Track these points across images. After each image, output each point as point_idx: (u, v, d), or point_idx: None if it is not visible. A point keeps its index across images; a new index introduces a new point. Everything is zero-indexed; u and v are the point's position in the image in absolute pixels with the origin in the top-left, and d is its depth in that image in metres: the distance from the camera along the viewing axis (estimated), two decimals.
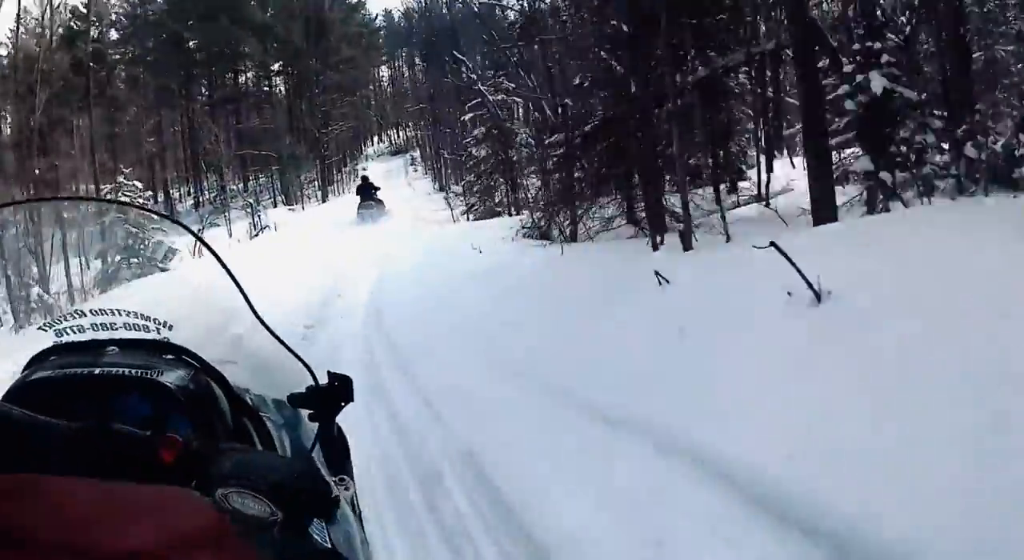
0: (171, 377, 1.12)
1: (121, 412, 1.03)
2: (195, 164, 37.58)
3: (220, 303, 1.22)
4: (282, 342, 1.14)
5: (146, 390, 1.09)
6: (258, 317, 1.12)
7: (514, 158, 18.09)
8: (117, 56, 37.06)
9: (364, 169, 50.44)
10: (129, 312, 1.18)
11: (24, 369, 1.19)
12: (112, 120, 36.23)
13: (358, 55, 46.82)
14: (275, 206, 33.43)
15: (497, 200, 19.94)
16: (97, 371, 1.11)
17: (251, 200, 27.19)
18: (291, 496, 0.82)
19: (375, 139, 65.59)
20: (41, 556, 0.36)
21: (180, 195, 37.65)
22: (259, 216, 16.87)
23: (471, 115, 20.94)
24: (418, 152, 54.76)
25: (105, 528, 0.39)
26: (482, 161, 19.54)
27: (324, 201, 34.54)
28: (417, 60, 56.90)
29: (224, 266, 1.10)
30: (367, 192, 23.85)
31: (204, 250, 1.26)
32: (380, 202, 23.26)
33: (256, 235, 17.47)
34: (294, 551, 0.84)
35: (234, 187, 39.98)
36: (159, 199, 37.42)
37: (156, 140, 35.35)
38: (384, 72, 65.05)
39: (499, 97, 18.67)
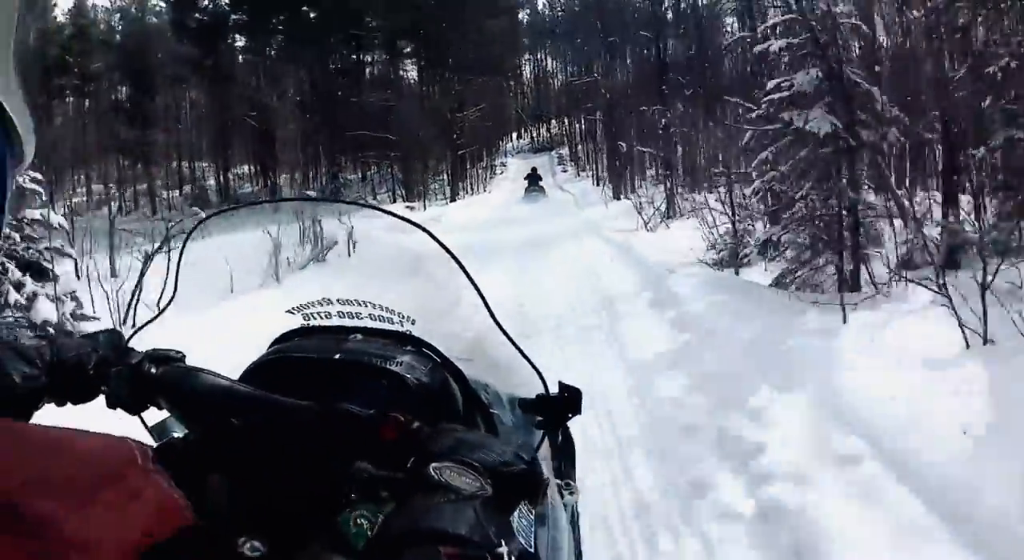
0: (409, 368, 1.14)
1: (356, 396, 1.02)
2: (305, 147, 31.04)
3: (455, 301, 1.27)
4: (517, 346, 1.15)
5: (383, 378, 1.11)
6: (495, 319, 1.14)
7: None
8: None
9: (503, 165, 43.92)
10: (375, 304, 1.21)
11: (269, 347, 1.23)
12: (223, 95, 30.76)
13: (500, 33, 39.50)
14: (393, 201, 26.13)
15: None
16: (337, 355, 1.14)
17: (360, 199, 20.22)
18: (502, 475, 0.82)
19: (515, 135, 59.55)
20: None
21: (290, 180, 31.08)
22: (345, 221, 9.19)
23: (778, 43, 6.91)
24: (565, 149, 47.47)
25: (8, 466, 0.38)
26: (814, 139, 5.97)
27: (453, 199, 26.78)
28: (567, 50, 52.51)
29: (462, 267, 1.13)
30: (534, 180, 27.61)
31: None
32: (542, 189, 26.69)
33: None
34: (491, 521, 0.73)
35: (350, 176, 33.57)
36: (265, 184, 31.47)
37: (263, 117, 29.00)
38: (526, 65, 58.58)
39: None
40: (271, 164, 31.16)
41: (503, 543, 0.71)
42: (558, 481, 1.22)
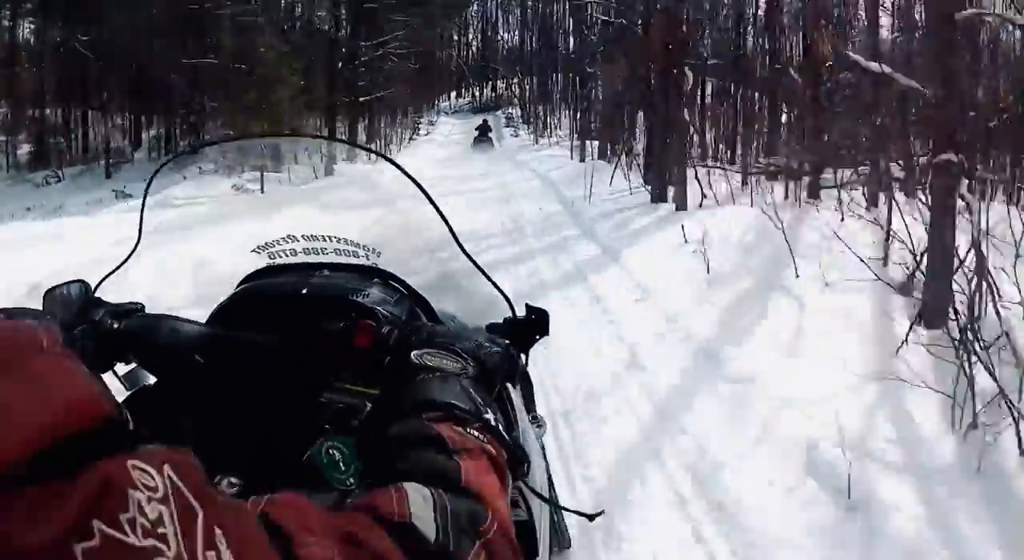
0: (377, 299, 1.13)
1: (325, 328, 1.06)
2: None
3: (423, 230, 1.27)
4: (483, 271, 1.15)
5: (351, 310, 1.09)
6: (460, 245, 1.14)
7: None
8: None
9: (430, 124, 33.77)
10: (340, 238, 1.20)
11: (237, 287, 1.22)
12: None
13: None
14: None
15: None
16: (304, 290, 1.14)
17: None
18: (481, 358, 0.86)
19: (453, 94, 49.38)
20: None
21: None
22: None
23: None
24: (515, 110, 37.44)
25: None
26: None
27: (329, 173, 16.22)
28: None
29: (427, 195, 1.12)
30: (483, 132, 27.57)
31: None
32: (490, 140, 26.65)
33: None
34: (479, 395, 0.77)
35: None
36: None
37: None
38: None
39: None
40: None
41: (488, 412, 0.74)
42: (529, 414, 1.21)
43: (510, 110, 39.29)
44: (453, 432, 0.67)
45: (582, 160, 17.15)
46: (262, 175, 13.95)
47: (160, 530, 0.34)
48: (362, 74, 22.51)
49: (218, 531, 0.37)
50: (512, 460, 0.72)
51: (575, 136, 24.99)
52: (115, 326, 1.01)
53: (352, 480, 0.83)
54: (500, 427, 0.73)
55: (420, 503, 0.56)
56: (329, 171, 17.27)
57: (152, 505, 0.35)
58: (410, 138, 28.18)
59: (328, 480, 0.82)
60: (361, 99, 22.43)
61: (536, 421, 1.35)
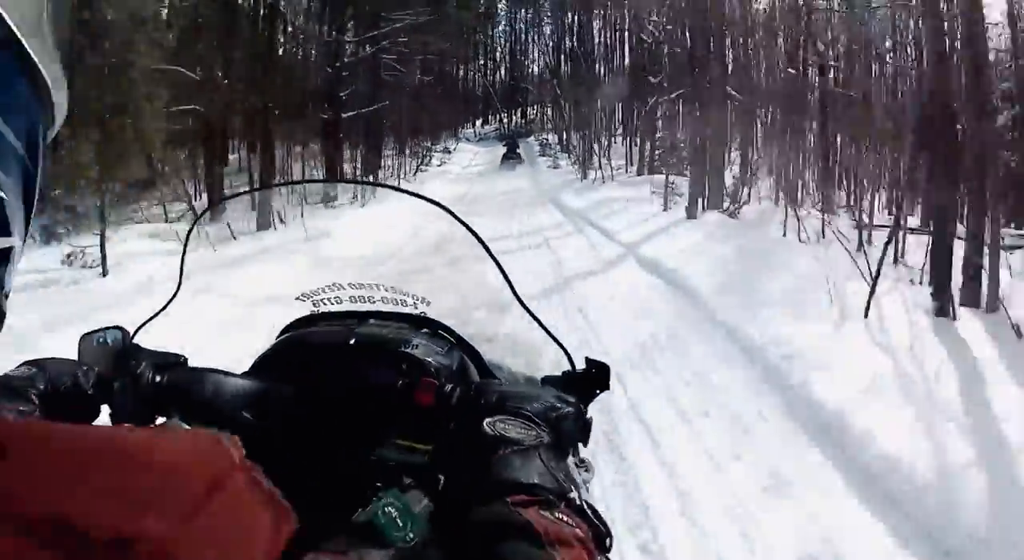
0: (426, 350, 1.09)
1: (374, 381, 1.04)
2: None
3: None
4: (540, 323, 1.10)
5: (400, 361, 1.06)
6: (518, 298, 1.08)
7: None
8: None
9: (446, 151, 28.11)
10: (387, 287, 1.18)
11: (279, 335, 1.19)
12: None
13: None
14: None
15: None
16: (352, 340, 1.10)
17: None
18: (554, 421, 0.84)
19: (479, 122, 43.62)
20: (12, 531, 0.28)
21: None
22: None
23: None
24: (550, 135, 31.28)
25: (101, 496, 0.30)
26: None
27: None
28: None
29: (486, 247, 1.06)
30: (512, 150, 27.12)
31: None
32: (519, 157, 26.05)
33: None
34: (557, 467, 0.76)
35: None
36: None
37: None
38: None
39: None
40: None
41: (572, 488, 0.73)
42: (574, 459, 1.04)
43: (544, 136, 32.99)
44: (543, 519, 0.65)
45: (691, 217, 10.32)
46: (102, 241, 7.57)
47: None
48: (346, 81, 16.30)
49: None
50: (596, 536, 0.71)
51: (645, 169, 18.50)
52: (156, 380, 0.96)
53: (411, 535, 0.72)
54: (585, 505, 0.73)
55: None
56: (265, 224, 10.98)
57: None
58: (417, 170, 21.63)
59: (387, 538, 0.72)
60: (345, 115, 16.25)
61: (583, 465, 1.10)
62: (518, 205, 14.25)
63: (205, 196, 12.35)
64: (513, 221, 11.43)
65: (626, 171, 20.55)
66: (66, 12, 0.34)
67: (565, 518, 0.66)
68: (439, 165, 23.91)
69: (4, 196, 0.31)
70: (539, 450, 0.77)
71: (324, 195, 12.99)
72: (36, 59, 0.31)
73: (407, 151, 23.71)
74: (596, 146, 20.57)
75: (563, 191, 16.31)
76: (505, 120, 44.54)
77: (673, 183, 12.89)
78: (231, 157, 16.33)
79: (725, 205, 11.18)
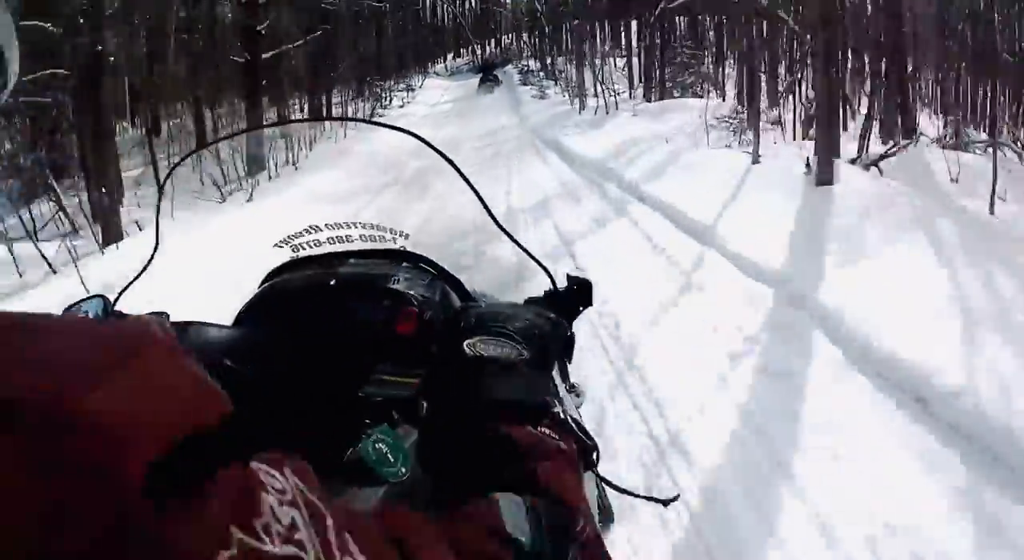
0: (407, 283, 1.10)
1: (357, 317, 1.06)
2: None
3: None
4: (520, 246, 1.10)
5: (383, 297, 1.07)
6: (494, 220, 1.08)
7: None
8: None
9: (408, 89, 24.86)
10: (364, 224, 1.16)
11: (261, 283, 1.20)
12: None
13: None
14: None
15: None
16: (333, 280, 1.10)
17: None
18: (534, 338, 0.84)
19: (448, 55, 39.79)
20: None
21: None
22: None
23: None
24: (534, 63, 27.39)
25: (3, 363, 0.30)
26: None
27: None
28: None
29: (459, 170, 1.05)
30: (489, 72, 25.81)
31: None
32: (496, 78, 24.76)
33: None
34: (543, 384, 0.77)
35: None
36: None
37: None
38: None
39: None
40: None
41: (556, 403, 0.72)
42: (566, 384, 1.20)
43: (525, 63, 28.86)
44: (527, 435, 0.66)
45: (825, 181, 5.64)
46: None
47: (296, 536, 0.33)
48: (264, 10, 12.20)
49: (348, 536, 0.36)
50: (582, 450, 0.72)
51: (653, 94, 15.28)
52: None
53: (403, 470, 0.77)
54: (568, 418, 0.72)
55: (513, 512, 0.56)
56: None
57: (283, 509, 0.33)
58: (373, 113, 17.60)
59: (380, 475, 0.76)
60: (265, 55, 12.25)
61: (574, 390, 1.27)
62: (501, 156, 10.04)
63: None
64: (497, 190, 7.14)
65: (630, 97, 16.65)
66: None
67: (548, 432, 0.68)
68: (401, 106, 19.77)
69: None
70: (520, 366, 0.78)
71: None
72: None
73: (365, 93, 19.69)
74: (590, 69, 16.57)
75: (563, 130, 11.88)
76: (479, 51, 39.99)
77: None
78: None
79: (857, 155, 7.15)
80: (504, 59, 33.28)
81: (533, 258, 1.08)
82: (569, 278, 1.05)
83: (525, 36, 35.18)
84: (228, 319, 1.08)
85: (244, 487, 0.31)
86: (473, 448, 0.66)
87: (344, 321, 1.02)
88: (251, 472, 0.33)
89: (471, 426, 0.67)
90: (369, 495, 0.74)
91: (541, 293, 1.06)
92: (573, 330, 1.01)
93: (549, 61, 24.57)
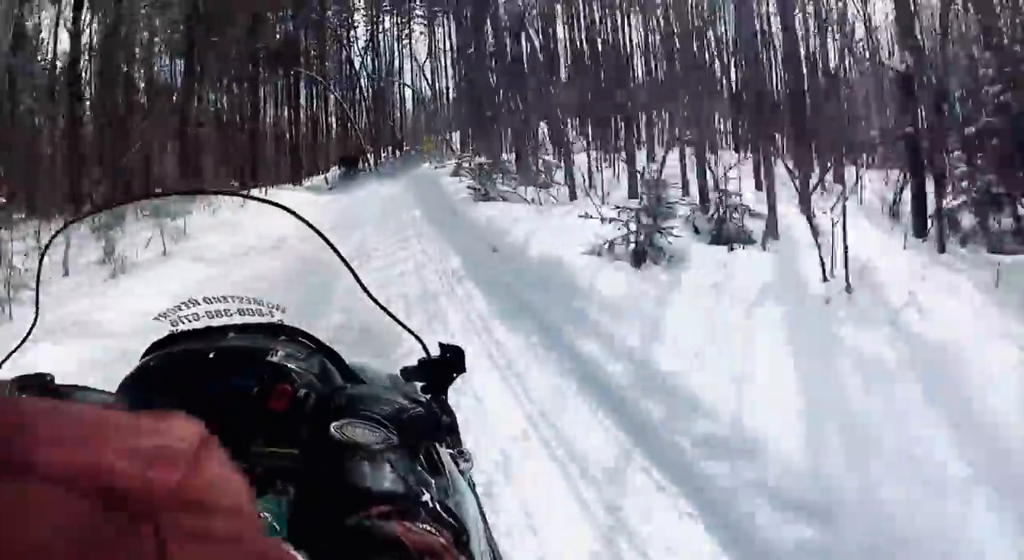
0: (285, 357, 1.11)
1: (233, 389, 1.05)
2: None
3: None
4: (392, 315, 1.16)
5: (262, 370, 1.08)
6: (366, 291, 1.14)
7: None
8: None
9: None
10: (242, 298, 1.19)
11: (142, 357, 1.20)
12: None
13: None
14: None
15: None
16: (212, 354, 1.11)
17: None
18: (403, 422, 0.85)
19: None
20: (50, 486, 0.32)
21: None
22: None
23: None
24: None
25: (117, 454, 0.35)
26: None
27: None
28: None
29: (330, 244, 1.14)
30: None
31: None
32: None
33: None
34: (408, 471, 0.80)
35: None
36: None
37: None
38: None
39: None
40: None
41: (423, 490, 0.75)
42: (450, 450, 1.20)
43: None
44: (409, 531, 0.67)
45: None
46: None
47: None
48: None
49: None
50: (456, 536, 0.72)
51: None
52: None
53: (289, 541, 0.75)
54: (438, 507, 0.73)
55: None
56: None
57: None
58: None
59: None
60: None
61: (462, 456, 1.27)
62: None
63: None
64: None
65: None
66: None
67: (426, 527, 0.69)
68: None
69: None
70: (386, 454, 0.77)
71: None
72: None
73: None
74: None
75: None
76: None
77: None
78: None
79: None
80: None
81: (406, 328, 1.15)
82: (441, 346, 1.11)
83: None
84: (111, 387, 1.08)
85: None
86: (358, 542, 0.65)
87: (221, 394, 1.01)
88: None
89: (347, 516, 0.67)
90: None
91: (415, 362, 1.12)
92: (452, 411, 1.08)
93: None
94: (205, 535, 0.35)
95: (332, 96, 35.26)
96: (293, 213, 1.12)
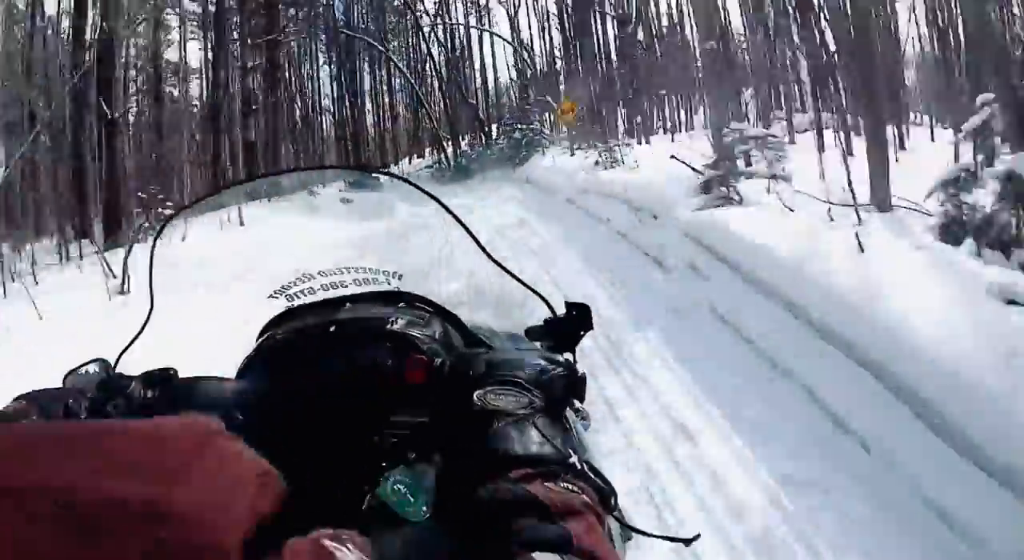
0: (407, 324, 1.08)
1: (362, 363, 1.02)
2: None
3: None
4: (513, 275, 1.11)
5: (384, 339, 1.04)
6: (488, 254, 1.11)
7: None
8: None
9: None
10: (357, 268, 1.18)
11: (258, 337, 1.17)
12: None
13: None
14: None
15: None
16: (332, 328, 1.08)
17: None
18: (546, 384, 0.84)
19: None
20: (13, 501, 0.33)
21: None
22: None
23: None
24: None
25: (95, 471, 0.36)
26: None
27: None
28: None
29: (447, 209, 1.11)
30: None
31: None
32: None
33: None
34: (553, 433, 0.77)
35: None
36: None
37: None
38: None
39: None
40: None
41: (571, 452, 0.73)
42: (574, 408, 1.11)
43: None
44: (550, 492, 0.67)
45: None
46: None
47: None
48: None
49: None
50: (602, 497, 0.72)
51: None
52: (148, 395, 0.98)
53: (425, 509, 0.80)
54: (586, 467, 0.73)
55: None
56: None
57: None
58: None
59: (402, 515, 0.79)
60: None
61: (579, 414, 1.17)
62: None
63: None
64: None
65: None
66: None
67: (570, 486, 0.68)
68: None
69: None
70: (533, 417, 0.77)
71: None
72: None
73: None
74: None
75: None
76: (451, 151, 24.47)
77: None
78: None
79: None
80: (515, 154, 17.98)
81: (529, 288, 1.09)
82: (567, 304, 1.06)
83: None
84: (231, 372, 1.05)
85: (316, 558, 0.36)
86: (495, 505, 0.65)
87: (349, 367, 1.00)
88: (321, 546, 0.38)
89: (488, 482, 0.67)
90: (393, 542, 0.73)
91: (540, 321, 1.06)
92: (583, 370, 0.98)
93: None
94: (182, 548, 0.34)
95: (395, 69, 27.72)
96: (410, 182, 1.15)
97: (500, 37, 26.38)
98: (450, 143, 25.34)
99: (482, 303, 1.27)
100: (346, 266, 1.16)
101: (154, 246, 1.22)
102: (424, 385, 0.93)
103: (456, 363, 0.93)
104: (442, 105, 28.18)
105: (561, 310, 1.06)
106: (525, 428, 0.75)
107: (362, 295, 1.17)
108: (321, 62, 28.82)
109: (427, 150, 28.86)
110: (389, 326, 1.05)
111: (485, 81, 29.08)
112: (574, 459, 0.71)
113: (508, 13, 25.65)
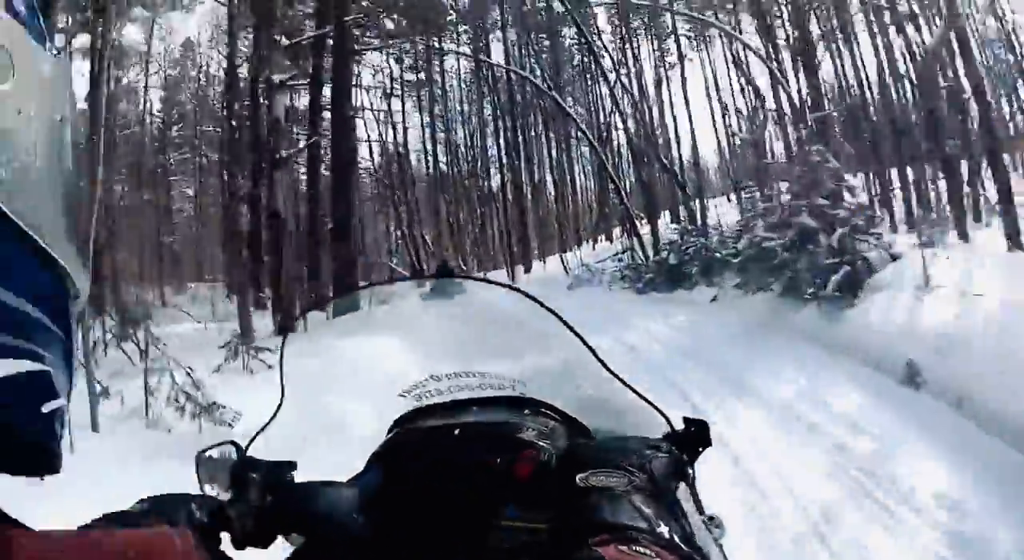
0: (531, 428, 1.11)
1: (480, 463, 1.06)
2: None
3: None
4: (634, 390, 1.12)
5: (508, 443, 1.08)
6: (607, 368, 1.11)
7: None
8: None
9: None
10: (483, 373, 1.20)
11: (389, 431, 1.22)
12: None
13: None
14: None
15: None
16: (458, 429, 1.12)
17: None
18: (648, 466, 0.84)
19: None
20: None
21: None
22: None
23: None
24: None
25: None
26: None
27: None
28: None
29: (563, 321, 1.09)
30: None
31: None
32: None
33: None
34: (654, 509, 0.77)
35: None
36: None
37: None
38: None
39: None
40: None
41: (660, 523, 0.71)
42: (702, 517, 1.12)
43: None
44: (620, 554, 0.65)
45: None
46: None
47: None
48: None
49: None
50: None
51: None
52: (269, 499, 0.98)
53: None
54: (675, 536, 0.72)
55: None
56: None
57: None
58: None
59: None
60: None
61: (712, 522, 1.20)
62: None
63: None
64: None
65: None
66: (75, 209, 0.40)
67: (644, 551, 0.65)
68: None
69: (50, 369, 0.37)
70: (631, 494, 0.76)
71: None
72: (56, 256, 0.37)
73: None
74: None
75: None
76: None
77: None
78: None
79: None
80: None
81: (647, 401, 1.09)
82: (686, 420, 1.06)
83: None
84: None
85: None
86: None
87: (466, 468, 1.02)
88: None
89: (571, 554, 0.66)
90: None
91: (659, 435, 1.05)
92: (694, 471, 0.99)
93: None
94: None
95: (580, 133, 22.58)
96: (532, 297, 1.12)
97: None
98: (645, 223, 19.47)
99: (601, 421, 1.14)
100: (474, 370, 1.18)
101: (284, 339, 1.39)
102: (533, 480, 0.96)
103: (563, 453, 0.96)
104: (632, 173, 22.64)
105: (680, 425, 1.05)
106: (619, 501, 0.75)
107: (489, 399, 1.19)
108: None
109: (615, 231, 23.37)
110: (515, 431, 1.06)
111: (679, 143, 23.21)
112: (663, 528, 0.70)
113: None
